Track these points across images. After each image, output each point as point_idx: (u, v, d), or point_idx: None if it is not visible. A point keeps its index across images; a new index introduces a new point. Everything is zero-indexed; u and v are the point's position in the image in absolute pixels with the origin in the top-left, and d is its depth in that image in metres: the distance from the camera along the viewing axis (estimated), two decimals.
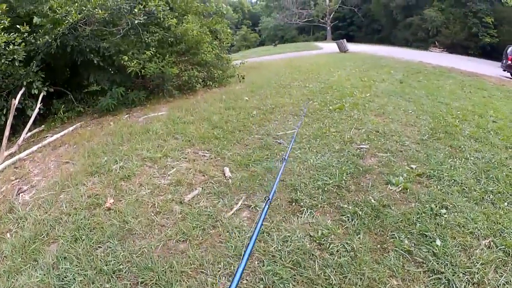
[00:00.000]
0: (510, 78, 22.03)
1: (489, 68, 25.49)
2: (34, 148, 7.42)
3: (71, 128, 8.69)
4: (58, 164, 6.31)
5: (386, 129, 7.31)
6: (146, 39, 10.19)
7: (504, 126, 8.06)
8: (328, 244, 3.68)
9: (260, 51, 42.47)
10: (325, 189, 4.73)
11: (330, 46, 37.96)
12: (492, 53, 39.97)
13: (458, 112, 9.06)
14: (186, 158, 5.96)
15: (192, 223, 4.08)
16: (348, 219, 4.09)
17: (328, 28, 64.66)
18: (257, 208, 4.34)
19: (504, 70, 23.57)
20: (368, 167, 5.44)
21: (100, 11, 9.21)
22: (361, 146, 6.33)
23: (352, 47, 30.77)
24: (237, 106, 9.14)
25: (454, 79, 15.85)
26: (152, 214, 4.31)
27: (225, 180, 5.07)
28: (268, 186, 4.79)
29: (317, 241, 3.73)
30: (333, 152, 6.02)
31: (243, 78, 13.67)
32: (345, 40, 30.05)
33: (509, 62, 22.94)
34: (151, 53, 9.98)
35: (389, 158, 5.82)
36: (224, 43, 14.08)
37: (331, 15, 64.09)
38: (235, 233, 3.86)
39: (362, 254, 3.53)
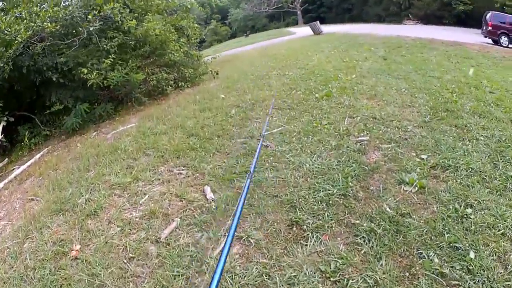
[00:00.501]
0: (492, 44, 22.06)
1: (469, 36, 25.21)
2: (1, 185, 6.53)
3: (38, 156, 7.89)
4: (23, 203, 5.44)
5: (383, 113, 6.55)
6: (104, 46, 9.19)
7: (503, 97, 7.59)
8: (346, 280, 2.88)
9: (232, 44, 41.53)
10: (330, 202, 3.89)
11: (303, 30, 37.11)
12: (467, 20, 39.76)
13: (453, 86, 8.52)
14: (159, 179, 5.07)
15: (172, 270, 3.24)
16: (364, 241, 3.30)
17: (299, 12, 63.72)
18: (250, 239, 3.47)
19: (485, 37, 23.43)
20: (374, 165, 4.66)
21: (49, 24, 8.26)
22: (360, 138, 5.53)
23: (326, 28, 29.94)
24: (213, 106, 8.24)
25: (438, 50, 15.40)
26: (125, 261, 3.47)
27: (207, 204, 4.19)
28: (259, 207, 3.93)
29: (331, 278, 2.92)
30: (330, 150, 5.19)
31: (217, 74, 12.77)
32: (318, 22, 29.23)
33: (490, 28, 22.64)
34: (110, 60, 9.01)
35: (395, 150, 5.05)
36: (192, 39, 13.14)
37: None
38: (226, 280, 2.99)
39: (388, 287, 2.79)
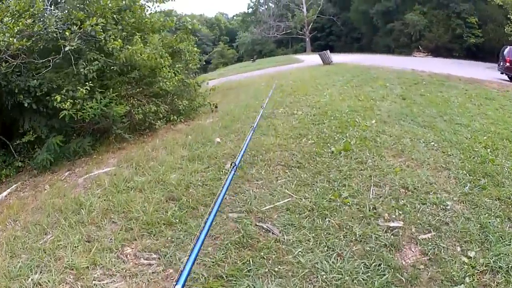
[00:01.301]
0: (509, 81, 20.84)
1: (482, 71, 24.45)
2: None
3: (4, 194, 6.79)
4: None
5: (415, 180, 5.21)
6: (82, 69, 7.84)
7: None
8: None
9: (238, 68, 40.50)
10: None
11: (311, 58, 36.10)
12: (477, 53, 39.30)
13: (485, 138, 7.54)
14: (123, 269, 3.65)
15: None
16: None
17: (307, 39, 63.06)
18: None
19: (502, 73, 22.19)
20: (413, 272, 3.33)
21: (16, 41, 7.05)
22: (392, 223, 4.14)
23: (335, 57, 28.74)
24: (206, 154, 6.80)
25: (457, 89, 14.38)
26: None
27: None
28: None
29: None
30: (353, 243, 3.78)
31: (216, 107, 11.41)
32: (328, 51, 27.97)
33: (508, 64, 21.44)
34: (87, 89, 7.63)
35: (436, 243, 3.77)
36: (190, 65, 11.72)
37: (310, 26, 62.40)
38: None
39: None
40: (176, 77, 9.66)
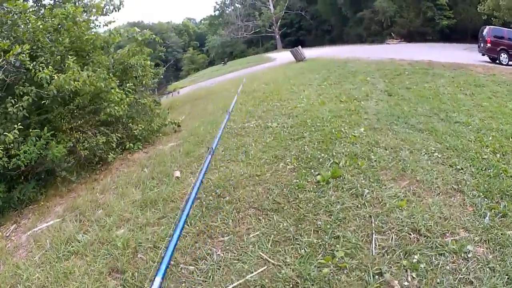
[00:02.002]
0: (491, 62, 20.23)
1: (462, 54, 23.65)
2: None
3: None
4: None
5: (427, 217, 4.01)
6: (11, 108, 6.39)
7: None
8: None
9: (210, 72, 39.20)
10: None
11: (283, 56, 34.85)
12: (451, 35, 38.76)
13: (490, 138, 6.59)
14: None
15: None
16: None
17: (277, 36, 61.84)
18: None
19: (483, 55, 21.43)
20: None
21: None
22: None
23: (307, 52, 27.40)
24: (161, 196, 5.38)
25: (443, 78, 13.38)
26: None
27: None
28: None
29: None
30: None
31: (179, 126, 9.97)
32: (300, 47, 26.60)
33: (489, 45, 20.56)
34: (16, 133, 6.11)
35: None
36: (144, 82, 10.18)
37: (278, 23, 61.17)
38: None
39: None
40: (127, 99, 8.16)
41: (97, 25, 9.53)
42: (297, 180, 5.17)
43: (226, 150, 6.81)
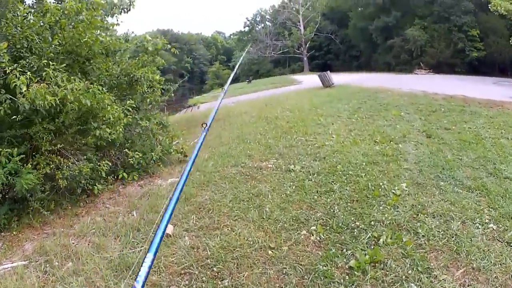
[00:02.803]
0: None
1: (494, 89, 21.74)
2: None
3: None
4: None
5: None
6: None
7: None
8: None
9: (233, 90, 37.78)
10: None
11: (309, 79, 33.34)
12: (480, 67, 36.80)
13: None
14: None
15: None
16: None
17: (305, 58, 60.18)
18: None
19: None
20: None
21: None
22: None
23: (334, 78, 25.83)
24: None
25: (481, 117, 11.67)
26: None
27: None
28: None
29: None
30: None
31: (186, 156, 8.39)
32: (328, 72, 24.97)
33: None
34: None
35: None
36: (149, 99, 8.64)
37: (307, 45, 59.73)
38: None
39: None
40: (125, 119, 6.77)
41: (108, 27, 8.30)
42: (324, 265, 3.70)
43: (235, 200, 5.40)
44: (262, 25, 73.61)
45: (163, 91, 9.57)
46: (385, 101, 14.77)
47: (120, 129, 6.52)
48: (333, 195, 5.36)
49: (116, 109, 6.53)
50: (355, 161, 6.78)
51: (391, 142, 8.28)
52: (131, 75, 7.84)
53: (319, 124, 10.59)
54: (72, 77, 5.85)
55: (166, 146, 8.20)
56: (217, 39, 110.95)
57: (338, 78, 28.29)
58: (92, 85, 6.02)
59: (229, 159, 7.55)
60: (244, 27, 75.64)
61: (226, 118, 14.64)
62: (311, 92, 21.71)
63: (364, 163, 6.67)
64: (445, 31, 40.11)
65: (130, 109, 7.18)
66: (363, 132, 9.27)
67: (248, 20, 74.38)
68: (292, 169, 6.62)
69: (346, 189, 5.55)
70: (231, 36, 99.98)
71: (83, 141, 6.28)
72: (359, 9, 52.48)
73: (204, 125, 3.19)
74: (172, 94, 10.27)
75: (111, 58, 7.93)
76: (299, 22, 60.40)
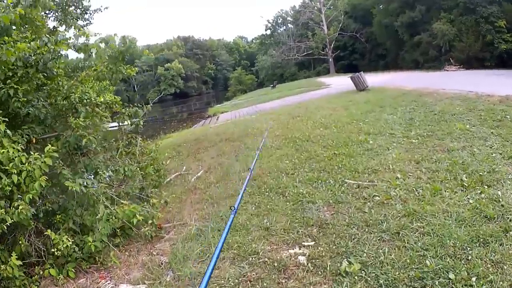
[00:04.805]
0: None
1: None
2: None
3: None
4: None
5: None
6: None
7: None
8: None
9: (256, 97, 34.84)
10: None
11: (337, 81, 30.19)
12: (508, 60, 32.52)
13: None
14: None
15: None
16: None
17: (330, 59, 56.43)
18: None
19: None
20: None
21: None
22: None
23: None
24: None
25: None
26: None
27: None
28: None
29: None
30: None
31: (160, 229, 5.28)
32: (362, 73, 21.38)
33: None
34: None
35: None
36: (87, 140, 4.95)
37: (332, 45, 56.15)
38: None
39: None
40: (35, 184, 3.84)
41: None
42: None
43: None
44: (284, 27, 70.58)
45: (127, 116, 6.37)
46: (437, 107, 11.50)
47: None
48: None
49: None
50: (451, 242, 3.75)
51: (483, 185, 5.22)
52: (72, 97, 4.99)
53: (370, 150, 7.58)
54: None
55: (127, 214, 4.99)
56: (239, 44, 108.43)
57: (369, 79, 24.92)
58: None
59: (243, 223, 4.61)
60: (266, 30, 72.57)
61: (242, 137, 11.66)
62: (345, 97, 18.50)
63: (467, 246, 3.65)
64: (473, 23, 36.15)
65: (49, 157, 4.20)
66: (438, 166, 6.18)
67: (269, 23, 71.13)
68: (344, 272, 3.60)
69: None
70: (254, 40, 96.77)
71: None
72: (381, 6, 49.07)
73: (233, 208, 2.79)
74: (141, 122, 6.76)
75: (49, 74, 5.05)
76: (322, 21, 56.95)
